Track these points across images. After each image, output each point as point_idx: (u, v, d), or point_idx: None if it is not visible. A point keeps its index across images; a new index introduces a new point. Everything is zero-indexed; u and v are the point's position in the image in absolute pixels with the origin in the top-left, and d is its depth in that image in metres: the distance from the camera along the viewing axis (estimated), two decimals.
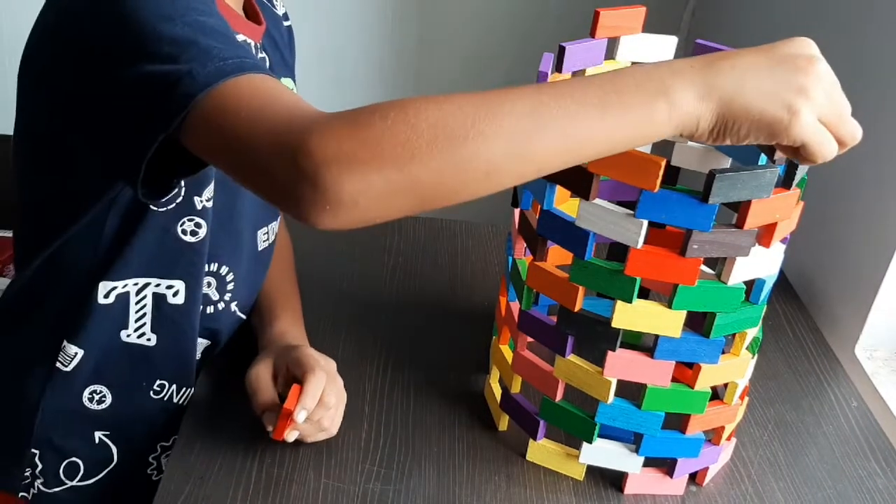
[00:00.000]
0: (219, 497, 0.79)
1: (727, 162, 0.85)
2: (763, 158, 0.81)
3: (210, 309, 0.91)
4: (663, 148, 0.78)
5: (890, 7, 1.12)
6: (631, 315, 0.75)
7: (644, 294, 0.83)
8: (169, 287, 0.84)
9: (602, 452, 0.83)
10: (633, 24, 0.85)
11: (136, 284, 0.83)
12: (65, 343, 0.84)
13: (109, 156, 0.70)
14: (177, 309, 0.86)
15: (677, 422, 0.81)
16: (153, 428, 0.92)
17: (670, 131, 0.60)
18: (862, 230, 1.13)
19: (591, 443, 0.82)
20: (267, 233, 0.96)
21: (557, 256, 0.81)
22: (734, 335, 0.79)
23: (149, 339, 0.86)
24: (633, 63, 0.86)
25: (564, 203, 0.89)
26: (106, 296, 0.82)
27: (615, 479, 0.85)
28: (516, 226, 0.85)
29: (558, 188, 0.76)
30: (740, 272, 0.74)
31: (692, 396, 0.79)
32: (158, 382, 0.89)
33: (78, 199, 0.78)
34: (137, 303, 0.84)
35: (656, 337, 0.76)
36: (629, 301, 0.74)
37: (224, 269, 0.90)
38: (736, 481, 0.87)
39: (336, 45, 2.01)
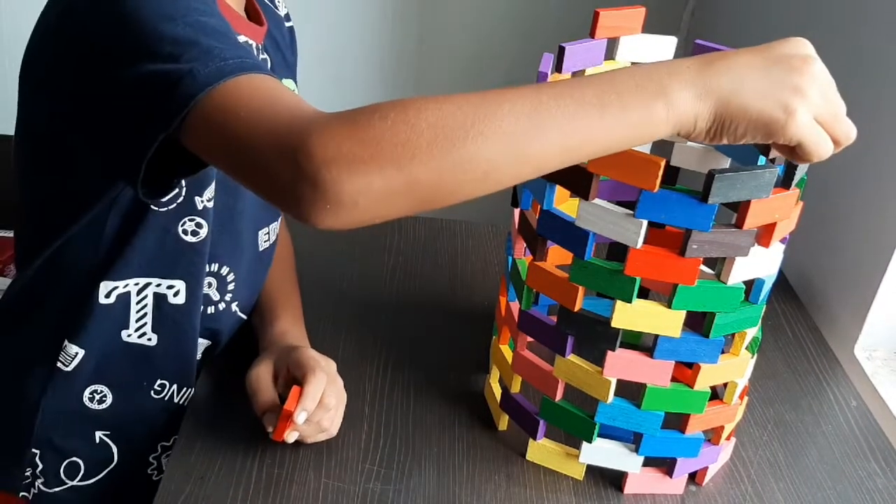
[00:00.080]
0: (219, 497, 0.79)
1: (726, 162, 0.86)
2: (762, 158, 0.81)
3: (211, 309, 0.91)
4: (663, 148, 0.78)
5: (886, 7, 1.12)
6: (631, 315, 0.75)
7: (644, 294, 0.83)
8: (170, 287, 0.85)
9: (602, 452, 0.83)
10: (632, 24, 0.85)
11: (136, 284, 0.83)
12: (65, 343, 0.84)
13: (110, 155, 0.70)
14: (177, 309, 0.86)
15: (677, 421, 0.81)
16: (154, 428, 0.92)
17: (668, 131, 0.61)
18: (861, 230, 1.13)
19: (590, 442, 0.82)
20: (268, 233, 0.96)
21: (557, 256, 0.82)
22: (734, 335, 0.80)
23: (149, 339, 0.86)
24: (633, 63, 0.86)
25: (564, 203, 0.89)
26: (107, 296, 0.82)
27: (615, 479, 0.85)
28: (516, 226, 0.85)
29: (558, 188, 0.76)
30: (740, 272, 0.74)
31: (692, 396, 0.79)
32: (159, 382, 0.89)
33: (78, 198, 0.78)
34: (138, 303, 0.84)
35: (656, 337, 0.76)
36: (629, 301, 0.74)
37: (225, 270, 0.90)
38: (735, 481, 0.87)
39: (336, 45, 2.01)
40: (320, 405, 0.81)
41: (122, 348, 0.86)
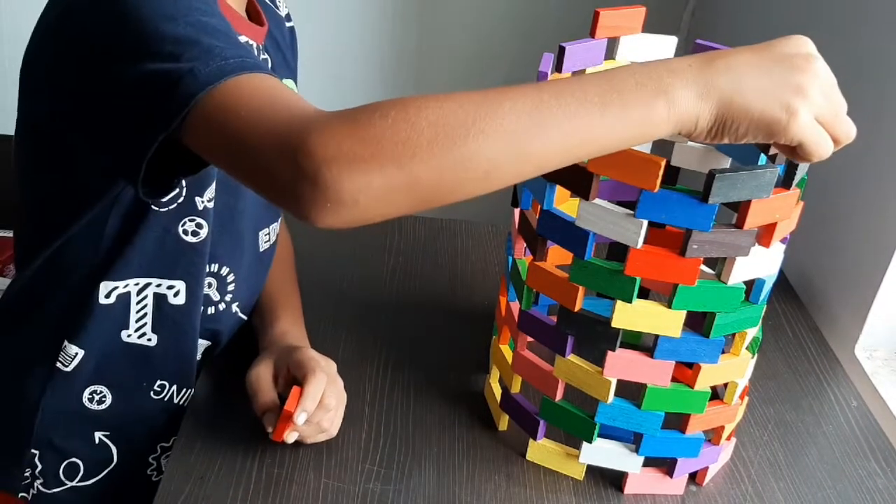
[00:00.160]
0: (219, 497, 0.79)
1: (727, 162, 0.85)
2: (763, 158, 0.81)
3: (211, 309, 0.91)
4: (663, 148, 0.78)
5: (886, 7, 1.12)
6: (631, 315, 0.75)
7: (644, 294, 0.83)
8: (170, 287, 0.84)
9: (602, 452, 0.83)
10: (632, 24, 0.85)
11: (136, 284, 0.83)
12: (65, 343, 0.84)
13: (110, 155, 0.70)
14: (178, 309, 0.86)
15: (677, 421, 0.81)
16: (153, 428, 0.92)
17: (669, 130, 0.61)
18: (861, 230, 1.13)
19: (590, 442, 0.82)
20: (268, 233, 0.96)
21: (557, 256, 0.81)
22: (734, 335, 0.80)
23: (149, 340, 0.86)
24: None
25: (564, 203, 0.89)
26: (107, 296, 0.82)
27: (615, 479, 0.85)
28: (516, 226, 0.85)
29: (558, 188, 0.76)
30: (740, 272, 0.74)
31: (692, 396, 0.79)
32: (159, 383, 0.89)
33: (79, 197, 0.78)
34: (138, 303, 0.84)
35: (656, 337, 0.76)
36: (629, 301, 0.74)
37: (225, 270, 0.90)
38: (736, 481, 0.87)
39: (336, 45, 2.01)
40: (320, 406, 0.81)
41: (121, 348, 0.85)
